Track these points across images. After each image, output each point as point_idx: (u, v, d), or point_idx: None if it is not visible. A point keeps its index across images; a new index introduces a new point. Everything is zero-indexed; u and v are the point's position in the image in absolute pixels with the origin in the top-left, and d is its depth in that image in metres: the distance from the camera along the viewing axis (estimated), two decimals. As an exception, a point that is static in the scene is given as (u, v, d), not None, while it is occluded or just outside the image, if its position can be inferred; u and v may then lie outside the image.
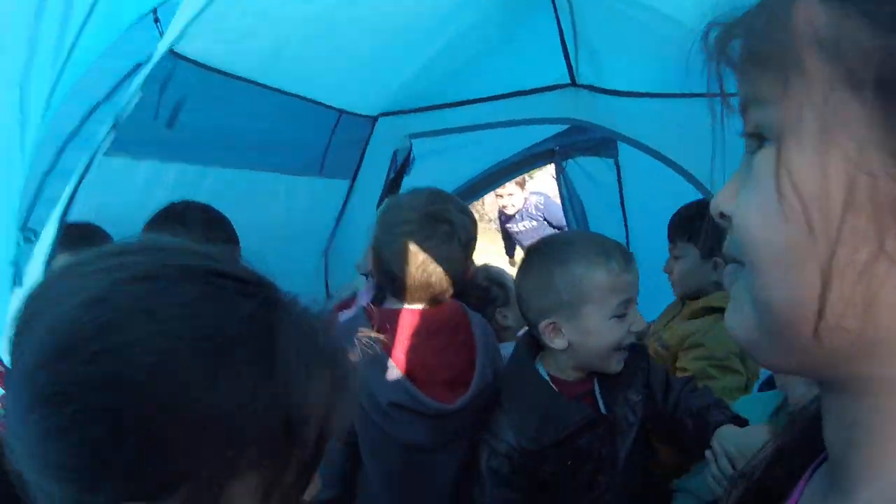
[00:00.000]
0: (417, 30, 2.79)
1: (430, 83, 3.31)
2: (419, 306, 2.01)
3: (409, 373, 1.92)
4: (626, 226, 4.51)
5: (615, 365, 1.85)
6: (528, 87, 3.42)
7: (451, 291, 2.01)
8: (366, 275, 3.74)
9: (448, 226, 1.95)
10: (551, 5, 2.91)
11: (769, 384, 2.16)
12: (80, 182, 1.46)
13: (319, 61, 2.71)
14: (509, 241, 7.34)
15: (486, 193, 4.78)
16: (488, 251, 7.83)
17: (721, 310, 2.41)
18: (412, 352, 1.96)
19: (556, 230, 6.69)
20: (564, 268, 1.79)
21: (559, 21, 2.99)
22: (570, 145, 4.14)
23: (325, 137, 3.29)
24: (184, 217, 2.31)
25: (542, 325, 1.84)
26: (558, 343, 1.83)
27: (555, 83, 3.40)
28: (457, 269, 1.97)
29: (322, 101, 3.01)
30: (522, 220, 6.89)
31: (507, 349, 2.20)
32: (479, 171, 4.29)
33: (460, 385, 1.97)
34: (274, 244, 3.43)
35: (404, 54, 3.00)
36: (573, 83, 3.38)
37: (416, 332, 1.97)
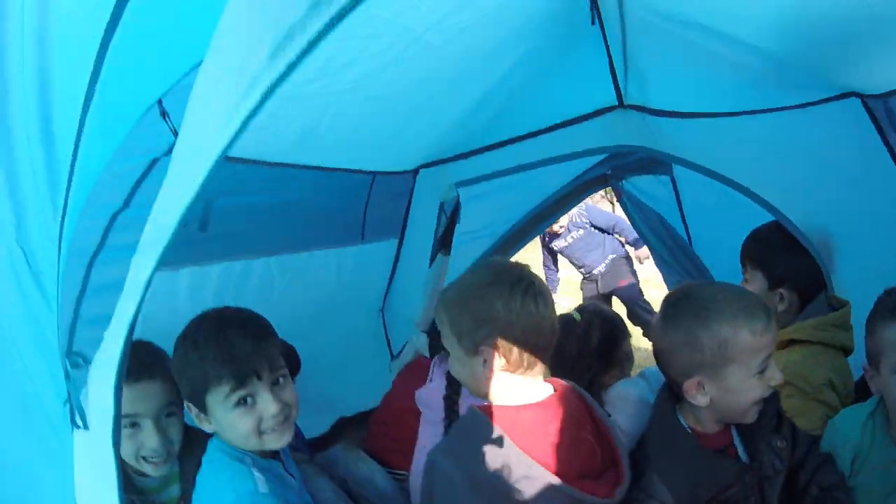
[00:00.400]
0: (457, 81, 2.68)
1: (471, 129, 3.18)
2: (538, 397, 1.91)
3: (558, 474, 1.80)
4: (688, 239, 4.43)
5: (751, 416, 1.89)
6: (573, 115, 3.32)
7: (546, 360, 1.94)
8: (426, 332, 3.64)
9: (528, 278, 1.90)
10: (600, 31, 2.77)
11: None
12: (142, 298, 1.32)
13: (351, 131, 2.57)
14: (552, 255, 7.41)
15: (543, 229, 4.58)
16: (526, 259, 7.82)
17: (799, 342, 2.49)
18: (549, 450, 1.83)
19: (604, 231, 6.73)
20: (709, 328, 1.81)
21: (608, 45, 2.87)
22: (622, 167, 3.97)
23: (361, 202, 3.24)
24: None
25: (687, 383, 1.87)
26: (701, 400, 1.87)
27: (602, 107, 3.28)
28: (551, 327, 1.90)
29: (355, 168, 2.88)
30: (570, 232, 6.84)
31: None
32: (530, 208, 4.15)
33: (592, 469, 1.90)
34: (331, 312, 3.33)
35: (443, 106, 2.90)
36: (621, 105, 3.25)
37: (546, 427, 1.86)
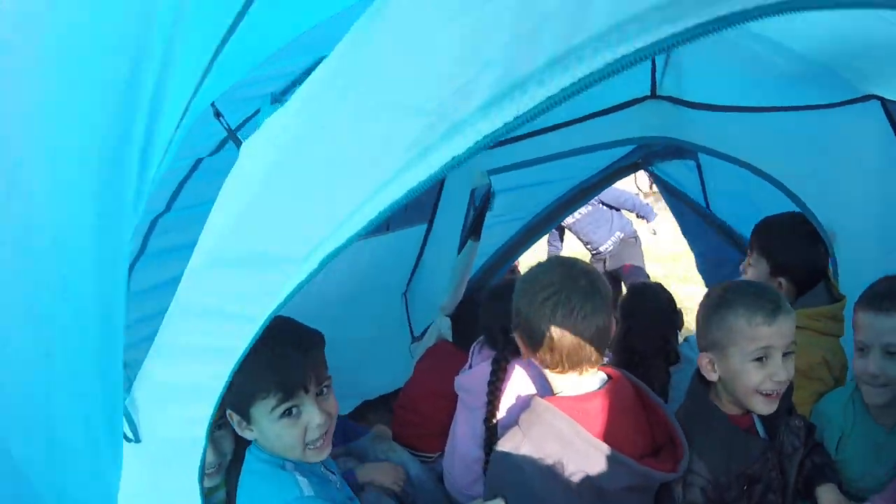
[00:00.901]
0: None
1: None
2: (596, 385, 2.06)
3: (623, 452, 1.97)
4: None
5: (759, 406, 2.06)
6: (607, 105, 3.43)
7: (602, 355, 2.06)
8: (450, 316, 3.72)
9: (586, 278, 2.00)
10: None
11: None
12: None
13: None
14: (559, 230, 7.38)
15: (568, 215, 4.68)
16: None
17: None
18: (615, 433, 1.99)
19: (613, 209, 6.70)
20: (719, 312, 2.06)
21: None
22: (651, 154, 4.04)
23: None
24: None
25: (701, 357, 2.12)
26: (712, 376, 2.10)
27: (635, 97, 3.39)
28: (606, 325, 2.00)
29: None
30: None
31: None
32: (558, 195, 4.29)
33: (651, 447, 2.09)
34: (358, 296, 3.38)
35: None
36: (653, 95, 3.36)
37: (608, 413, 2.02)
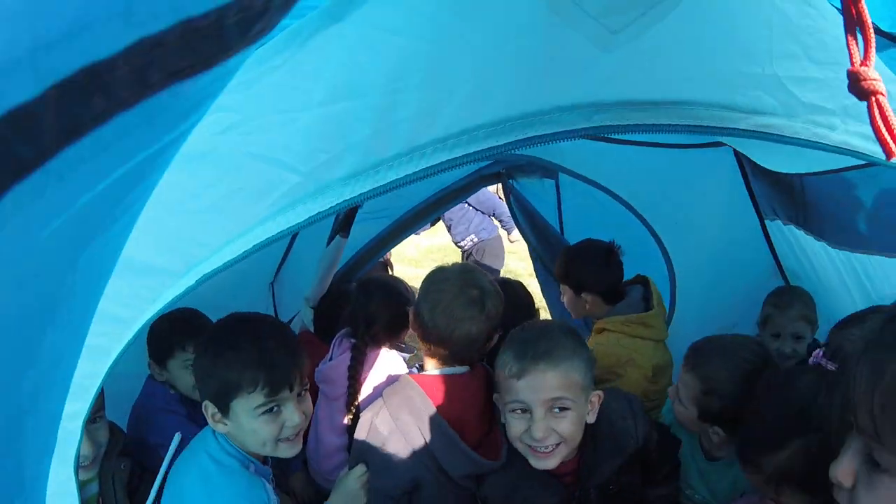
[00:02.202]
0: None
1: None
2: (459, 370, 2.34)
3: (464, 439, 2.25)
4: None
5: (531, 460, 2.09)
6: None
7: (470, 354, 2.33)
8: (314, 308, 3.87)
9: (478, 291, 2.28)
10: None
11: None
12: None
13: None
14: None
15: (435, 217, 4.89)
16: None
17: (608, 330, 3.21)
18: (460, 415, 2.27)
19: (479, 211, 7.15)
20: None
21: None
22: (516, 168, 4.32)
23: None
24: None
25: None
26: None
27: None
28: (478, 332, 2.28)
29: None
30: None
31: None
32: (427, 196, 4.47)
33: (482, 437, 2.33)
34: (227, 284, 3.51)
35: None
36: None
37: (462, 396, 2.30)
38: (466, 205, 7.00)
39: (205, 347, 2.07)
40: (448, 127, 1.23)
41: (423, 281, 2.38)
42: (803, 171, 2.83)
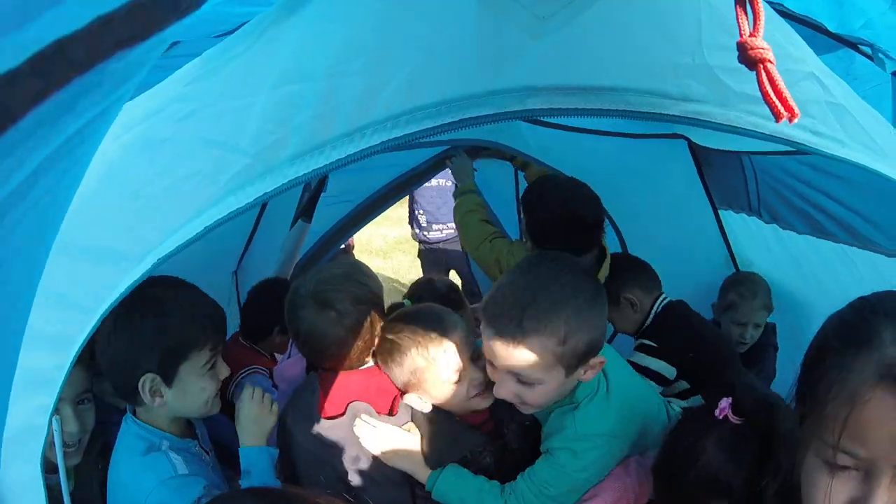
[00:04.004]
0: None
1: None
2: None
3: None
4: (520, 220, 4.96)
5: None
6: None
7: (343, 360, 2.33)
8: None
9: (334, 312, 2.26)
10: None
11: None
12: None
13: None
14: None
15: (398, 200, 4.97)
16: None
17: None
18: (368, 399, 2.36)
19: None
20: None
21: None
22: (475, 149, 4.37)
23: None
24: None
25: None
26: None
27: None
28: (338, 346, 2.28)
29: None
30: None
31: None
32: (389, 180, 4.58)
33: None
34: (189, 272, 3.53)
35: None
36: None
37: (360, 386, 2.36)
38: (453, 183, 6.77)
39: (141, 317, 2.00)
40: (387, 109, 1.31)
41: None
42: (748, 150, 2.95)
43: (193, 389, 2.09)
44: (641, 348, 3.31)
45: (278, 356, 3.59)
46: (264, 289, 3.63)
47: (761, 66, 1.16)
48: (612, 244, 4.19)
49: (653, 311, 3.40)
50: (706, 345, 3.27)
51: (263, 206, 3.84)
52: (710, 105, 1.46)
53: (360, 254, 9.38)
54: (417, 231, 7.26)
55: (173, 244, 1.45)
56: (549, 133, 3.68)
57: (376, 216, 4.97)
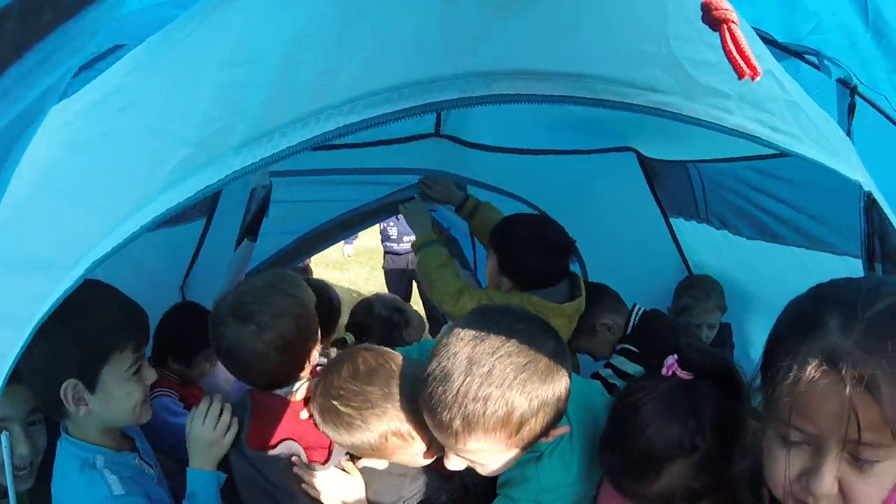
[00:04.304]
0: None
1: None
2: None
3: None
4: (474, 253, 5.27)
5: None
6: (392, 136, 3.73)
7: (268, 378, 2.27)
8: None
9: (254, 325, 2.18)
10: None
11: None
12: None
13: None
14: None
15: (346, 237, 4.89)
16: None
17: None
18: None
19: None
20: None
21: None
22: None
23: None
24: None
25: None
26: None
27: (419, 133, 3.74)
28: (260, 361, 2.20)
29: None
30: None
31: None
32: (333, 216, 4.54)
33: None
34: (136, 290, 3.40)
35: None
36: (437, 133, 3.75)
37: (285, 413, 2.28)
38: None
39: (57, 322, 1.80)
40: (344, 93, 1.22)
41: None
42: (694, 158, 2.97)
43: (118, 395, 2.02)
44: (623, 352, 3.31)
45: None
46: (179, 311, 3.46)
47: (725, 27, 1.18)
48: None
49: (631, 324, 3.39)
50: None
51: (209, 220, 3.79)
52: (676, 96, 1.41)
53: (316, 266, 9.56)
54: (387, 243, 7.39)
55: (108, 246, 1.33)
56: (497, 157, 3.72)
57: (316, 252, 4.89)
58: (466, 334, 1.73)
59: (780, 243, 3.12)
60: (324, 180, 4.01)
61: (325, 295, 3.36)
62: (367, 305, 3.69)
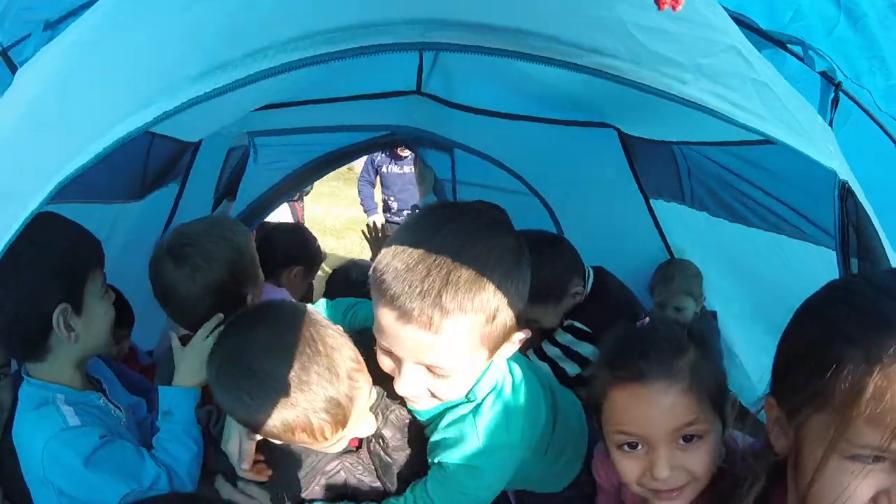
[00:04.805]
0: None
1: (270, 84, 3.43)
2: None
3: None
4: None
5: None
6: (373, 91, 3.80)
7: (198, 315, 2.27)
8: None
9: (188, 267, 2.25)
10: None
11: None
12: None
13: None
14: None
15: (331, 171, 5.04)
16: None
17: None
18: None
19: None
20: None
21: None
22: (413, 138, 4.50)
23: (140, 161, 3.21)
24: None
25: None
26: None
27: (401, 89, 3.80)
28: (194, 304, 2.27)
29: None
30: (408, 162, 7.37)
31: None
32: (320, 153, 4.64)
33: None
34: (110, 253, 3.42)
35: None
36: (419, 91, 3.80)
37: None
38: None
39: (35, 246, 1.86)
40: (290, 32, 1.31)
41: None
42: (675, 139, 2.99)
43: (99, 313, 2.07)
44: (571, 330, 3.09)
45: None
46: None
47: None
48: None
49: (586, 290, 3.15)
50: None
51: (182, 185, 3.79)
52: (622, 61, 1.46)
53: (312, 232, 9.43)
54: (389, 215, 7.75)
55: (71, 168, 1.37)
56: (479, 120, 3.75)
57: (308, 184, 5.47)
58: (428, 218, 1.66)
59: (760, 228, 3.08)
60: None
61: (300, 237, 3.53)
62: (344, 272, 3.75)
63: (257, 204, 4.72)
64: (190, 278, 2.21)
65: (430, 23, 1.33)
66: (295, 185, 4.81)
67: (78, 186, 2.78)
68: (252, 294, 2.38)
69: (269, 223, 4.52)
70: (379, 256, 1.64)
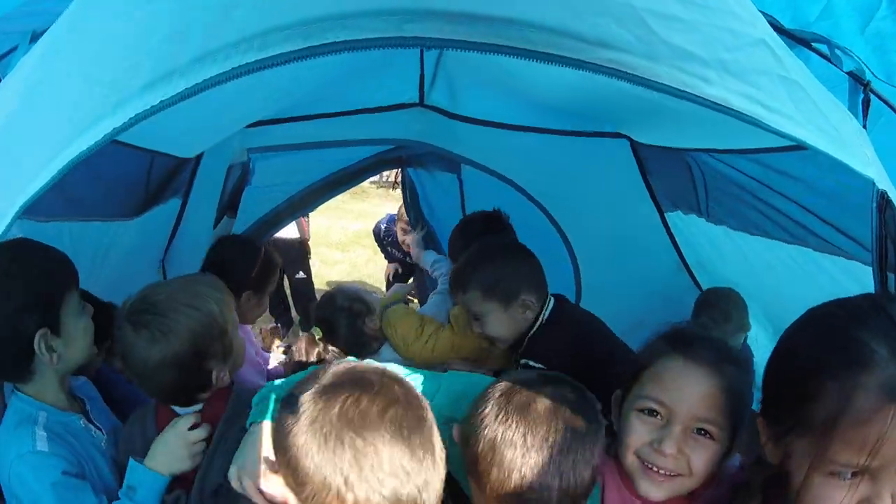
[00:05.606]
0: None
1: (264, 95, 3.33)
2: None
3: None
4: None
5: None
6: (373, 105, 3.65)
7: (163, 392, 2.18)
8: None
9: (148, 335, 2.07)
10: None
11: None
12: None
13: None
14: None
15: (335, 195, 4.94)
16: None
17: None
18: None
19: None
20: None
21: (423, 52, 3.21)
22: (418, 156, 4.40)
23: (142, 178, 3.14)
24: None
25: None
26: None
27: (402, 102, 3.65)
28: (155, 374, 2.10)
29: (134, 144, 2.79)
30: None
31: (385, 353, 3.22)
32: (324, 175, 4.53)
33: None
34: (114, 261, 3.31)
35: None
36: (421, 103, 3.65)
37: None
38: None
39: (8, 278, 1.99)
40: (242, 30, 1.15)
41: None
42: (691, 146, 2.89)
43: (78, 330, 2.13)
44: (525, 368, 2.78)
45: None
46: None
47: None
48: (560, 254, 4.22)
49: (540, 319, 2.87)
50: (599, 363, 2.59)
51: (185, 201, 3.70)
52: (634, 56, 1.27)
53: (318, 246, 9.80)
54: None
55: (31, 191, 1.23)
56: (484, 132, 3.61)
57: (312, 210, 5.16)
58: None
59: (784, 241, 2.92)
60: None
61: (244, 260, 3.49)
62: (329, 299, 3.64)
63: (265, 220, 4.61)
64: (146, 349, 2.05)
65: (407, 13, 1.13)
66: (303, 205, 4.69)
67: (76, 204, 2.73)
68: (217, 370, 2.17)
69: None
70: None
